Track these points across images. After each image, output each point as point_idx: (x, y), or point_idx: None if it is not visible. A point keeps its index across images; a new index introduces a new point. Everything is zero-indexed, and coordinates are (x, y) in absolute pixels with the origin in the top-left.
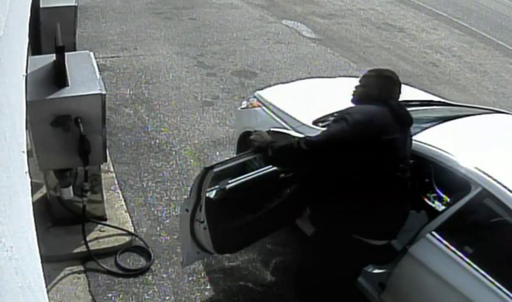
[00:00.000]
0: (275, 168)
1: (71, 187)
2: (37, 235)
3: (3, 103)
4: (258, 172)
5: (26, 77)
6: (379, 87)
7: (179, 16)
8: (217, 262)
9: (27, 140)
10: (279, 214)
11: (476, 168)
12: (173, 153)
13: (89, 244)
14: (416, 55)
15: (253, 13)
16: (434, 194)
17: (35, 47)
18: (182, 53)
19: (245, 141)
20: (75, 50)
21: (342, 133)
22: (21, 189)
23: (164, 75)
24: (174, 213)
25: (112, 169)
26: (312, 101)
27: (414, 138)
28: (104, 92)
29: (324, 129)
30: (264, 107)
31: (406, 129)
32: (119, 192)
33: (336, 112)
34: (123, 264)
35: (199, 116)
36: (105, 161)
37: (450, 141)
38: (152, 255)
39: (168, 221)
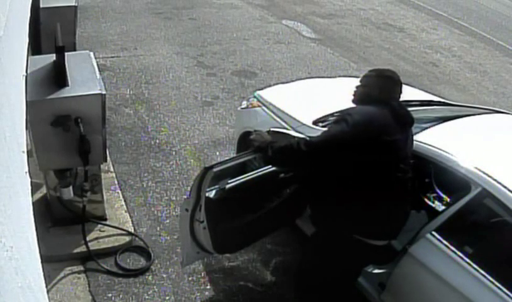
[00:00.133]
0: (275, 168)
1: (71, 187)
2: (37, 235)
3: (3, 103)
4: (258, 172)
5: (26, 77)
6: (380, 87)
7: (179, 16)
8: (217, 262)
9: (27, 140)
10: (279, 214)
11: (476, 168)
12: (173, 153)
13: (89, 244)
14: (416, 55)
15: (253, 13)
16: (434, 194)
17: (35, 47)
18: (182, 53)
19: (245, 141)
20: (75, 50)
21: (342, 134)
22: (21, 189)
23: (164, 75)
24: (174, 213)
25: (112, 169)
26: (312, 101)
27: (414, 138)
28: (104, 92)
29: (324, 129)
30: (264, 107)
31: (407, 130)
32: (119, 192)
33: (336, 113)
34: (123, 264)
35: (199, 116)
36: (105, 161)
37: (450, 141)
38: (152, 255)
39: (168, 221)
